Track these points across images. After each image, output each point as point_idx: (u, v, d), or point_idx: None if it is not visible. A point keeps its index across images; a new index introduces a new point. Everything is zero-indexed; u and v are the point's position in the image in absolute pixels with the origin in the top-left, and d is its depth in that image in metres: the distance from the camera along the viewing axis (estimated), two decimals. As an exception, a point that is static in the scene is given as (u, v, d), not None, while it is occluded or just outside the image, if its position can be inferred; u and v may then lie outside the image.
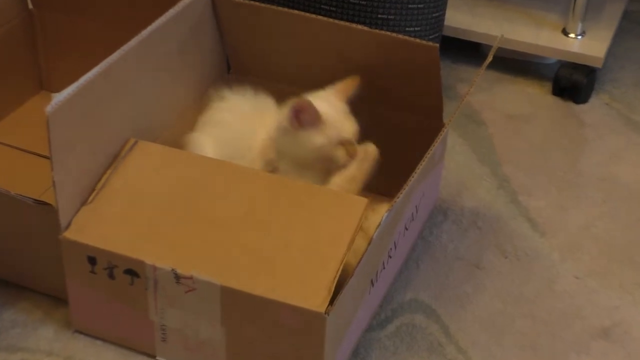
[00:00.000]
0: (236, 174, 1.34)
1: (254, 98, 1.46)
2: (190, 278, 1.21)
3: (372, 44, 1.46)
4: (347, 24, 1.46)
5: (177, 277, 1.22)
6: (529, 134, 1.81)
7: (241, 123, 1.42)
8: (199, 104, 1.52)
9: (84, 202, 1.30)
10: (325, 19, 1.48)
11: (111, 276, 1.27)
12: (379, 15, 1.66)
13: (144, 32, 1.37)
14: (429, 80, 1.44)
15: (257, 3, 1.51)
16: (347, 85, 1.42)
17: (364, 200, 1.26)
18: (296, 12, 1.49)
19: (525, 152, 1.77)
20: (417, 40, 1.43)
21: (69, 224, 1.28)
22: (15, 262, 1.39)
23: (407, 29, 1.68)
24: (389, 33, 1.45)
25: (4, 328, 1.38)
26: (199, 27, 1.52)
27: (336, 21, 1.47)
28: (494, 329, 1.39)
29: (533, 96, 1.92)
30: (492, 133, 1.82)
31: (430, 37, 1.70)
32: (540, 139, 1.80)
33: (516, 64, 2.00)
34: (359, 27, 1.46)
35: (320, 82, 1.43)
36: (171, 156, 1.37)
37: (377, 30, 1.45)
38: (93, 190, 1.31)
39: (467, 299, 1.45)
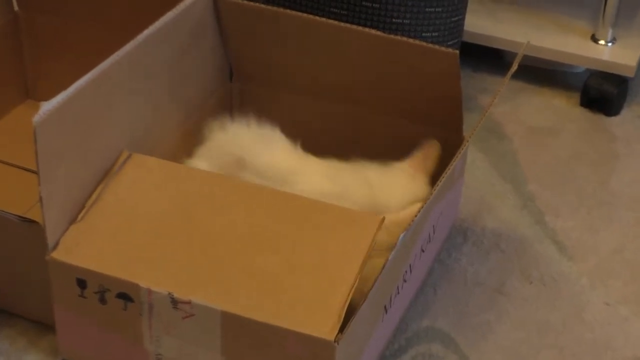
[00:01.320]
0: (239, 190, 1.33)
1: (258, 129, 1.44)
2: (189, 303, 1.20)
3: (386, 50, 1.45)
4: (360, 28, 1.46)
5: (174, 302, 1.21)
6: (555, 149, 1.80)
7: (244, 154, 1.40)
8: (199, 113, 1.50)
9: (73, 220, 1.29)
10: (335, 22, 1.47)
11: (102, 300, 1.25)
12: (394, 20, 1.65)
13: (140, 37, 1.36)
14: (448, 90, 1.43)
15: (261, 5, 1.50)
16: (428, 154, 1.45)
17: (377, 218, 1.25)
18: (304, 15, 1.48)
19: (552, 168, 1.75)
20: (435, 46, 1.41)
21: (56, 244, 1.27)
22: (-3, 285, 1.37)
23: (423, 34, 1.67)
24: (404, 38, 1.44)
25: (-13, 358, 1.36)
26: (200, 30, 1.51)
27: (347, 25, 1.46)
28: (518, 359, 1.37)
29: (560, 108, 1.91)
30: (516, 147, 1.81)
31: (449, 43, 1.70)
32: (568, 154, 1.78)
33: (541, 72, 1.99)
34: (372, 31, 1.45)
35: (329, 91, 1.42)
36: (168, 170, 1.36)
37: (391, 35, 1.44)
38: (83, 207, 1.30)
39: (489, 327, 1.43)
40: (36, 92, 1.82)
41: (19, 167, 1.63)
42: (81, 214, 1.30)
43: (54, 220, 1.26)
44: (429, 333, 1.42)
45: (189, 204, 1.30)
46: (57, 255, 1.26)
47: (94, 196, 1.31)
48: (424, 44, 1.42)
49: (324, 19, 1.47)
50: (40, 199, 1.22)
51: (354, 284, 1.19)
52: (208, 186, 1.33)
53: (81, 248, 1.27)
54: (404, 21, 1.65)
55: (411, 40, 1.42)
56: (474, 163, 1.75)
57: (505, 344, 1.40)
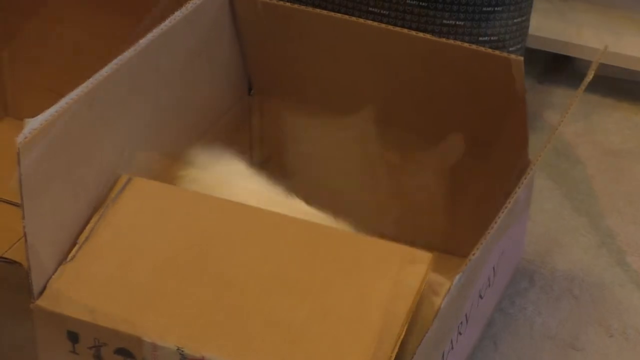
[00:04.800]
0: (256, 220, 1.33)
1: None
2: (201, 359, 1.20)
3: (435, 56, 1.45)
4: (405, 30, 1.45)
5: (184, 358, 1.21)
6: (636, 174, 1.79)
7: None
8: (212, 132, 1.51)
9: (63, 259, 1.29)
10: (375, 23, 1.47)
11: (98, 358, 1.26)
12: (445, 21, 1.65)
13: (142, 42, 1.37)
14: (511, 105, 1.43)
15: (287, 3, 1.50)
16: None
17: (427, 256, 1.25)
18: (337, 15, 1.48)
19: (634, 198, 1.74)
20: (496, 52, 1.41)
21: (43, 289, 1.26)
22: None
23: (480, 38, 1.67)
24: (458, 43, 1.44)
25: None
26: (213, 34, 1.52)
27: (389, 27, 1.46)
28: None
29: (640, 126, 1.90)
30: (591, 174, 1.82)
31: (511, 49, 1.69)
32: None
33: (621, 84, 2.00)
34: (420, 34, 1.45)
35: (367, 105, 1.42)
36: (174, 197, 1.38)
37: (443, 39, 1.44)
38: (75, 243, 1.30)
39: None
40: (17, 109, 1.84)
41: (-1, 199, 1.63)
42: (73, 252, 1.30)
43: (41, 261, 1.26)
44: None
45: (199, 239, 1.31)
46: (44, 303, 1.26)
47: (87, 229, 1.31)
48: (482, 49, 1.41)
49: (361, 20, 1.47)
50: (25, 236, 1.22)
51: (399, 338, 1.18)
52: (220, 217, 1.34)
53: (73, 294, 1.27)
54: (458, 22, 1.65)
55: (467, 45, 1.42)
56: (542, 193, 1.76)
57: None
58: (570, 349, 1.49)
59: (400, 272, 1.27)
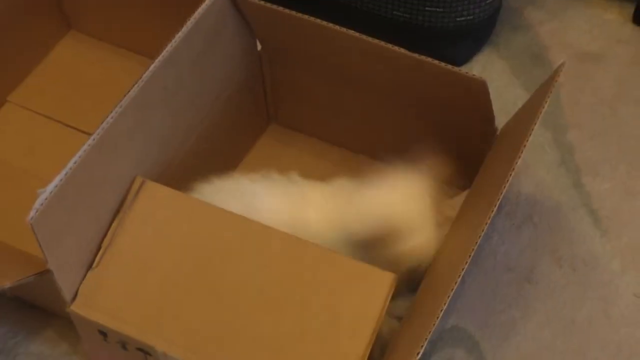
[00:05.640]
0: (251, 233, 1.35)
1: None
2: (203, 370, 1.22)
3: (408, 71, 1.40)
4: (381, 43, 1.37)
5: (189, 367, 1.22)
6: (600, 82, 1.74)
7: None
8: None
9: (89, 266, 1.32)
10: (356, 34, 1.39)
11: (124, 348, 1.33)
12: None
13: (144, 76, 1.29)
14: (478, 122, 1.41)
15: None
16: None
17: (389, 276, 1.22)
18: (323, 23, 1.40)
19: (596, 108, 1.71)
20: (462, 71, 1.37)
21: (75, 294, 1.29)
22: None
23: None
24: (429, 59, 1.35)
25: (31, 364, 1.42)
26: (217, 38, 1.45)
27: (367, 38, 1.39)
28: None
29: (610, 25, 1.80)
30: (561, 82, 1.69)
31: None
32: (614, 89, 1.74)
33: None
34: (395, 48, 1.38)
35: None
36: (181, 205, 1.38)
37: (416, 55, 1.34)
38: (99, 248, 1.30)
39: (514, 327, 1.44)
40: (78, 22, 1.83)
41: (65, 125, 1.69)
42: (98, 257, 1.36)
43: (69, 276, 1.31)
44: (454, 334, 1.44)
45: (201, 252, 1.35)
46: (77, 308, 1.34)
47: (109, 235, 1.36)
48: (449, 67, 1.37)
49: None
50: (49, 270, 1.26)
51: (365, 356, 1.19)
52: (220, 229, 1.36)
53: (99, 300, 1.36)
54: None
55: (436, 62, 1.37)
56: (516, 104, 1.64)
57: (528, 349, 1.44)
58: (525, 283, 1.50)
59: (366, 291, 1.28)
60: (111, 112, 1.29)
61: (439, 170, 1.40)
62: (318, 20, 1.41)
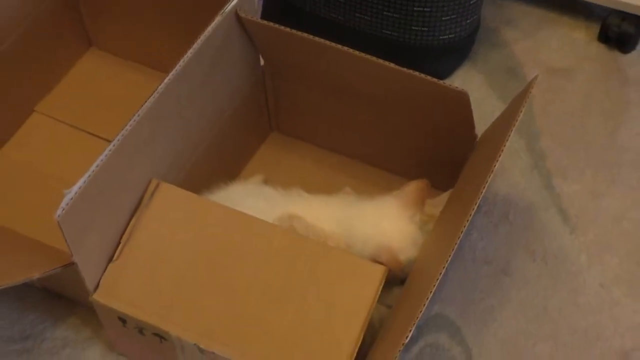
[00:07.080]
0: (256, 231, 1.37)
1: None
2: (213, 353, 1.21)
3: (395, 84, 1.42)
4: (373, 58, 1.39)
5: (201, 350, 1.22)
6: (570, 95, 1.79)
7: None
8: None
9: (110, 259, 1.33)
10: (350, 50, 1.41)
11: (141, 333, 1.37)
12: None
13: (159, 88, 1.30)
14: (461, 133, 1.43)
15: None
16: (417, 193, 1.41)
17: (380, 269, 1.23)
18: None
19: (565, 119, 1.76)
20: (446, 84, 1.39)
21: (97, 285, 1.31)
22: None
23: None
24: (416, 73, 1.38)
25: (56, 348, 1.42)
26: (224, 52, 1.47)
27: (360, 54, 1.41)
28: (515, 353, 1.45)
29: (578, 43, 1.83)
30: (534, 94, 1.70)
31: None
32: (581, 102, 1.77)
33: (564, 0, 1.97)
34: (385, 62, 1.39)
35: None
36: (194, 205, 1.40)
37: (404, 69, 1.37)
38: (119, 242, 1.31)
39: (492, 315, 1.46)
40: (98, 40, 1.87)
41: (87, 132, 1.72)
42: (118, 251, 1.38)
43: (92, 268, 1.36)
44: (438, 321, 1.45)
45: (211, 247, 1.37)
46: (99, 297, 1.36)
47: (127, 231, 1.38)
48: (435, 81, 1.40)
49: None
50: (74, 262, 1.29)
51: (358, 342, 1.19)
52: (228, 226, 1.38)
53: (119, 290, 1.39)
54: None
55: (422, 76, 1.39)
56: (494, 114, 1.66)
57: (505, 335, 1.49)
58: (502, 275, 1.52)
59: (360, 282, 1.30)
60: (129, 121, 1.32)
61: (422, 193, 1.43)
62: (316, 38, 1.45)
